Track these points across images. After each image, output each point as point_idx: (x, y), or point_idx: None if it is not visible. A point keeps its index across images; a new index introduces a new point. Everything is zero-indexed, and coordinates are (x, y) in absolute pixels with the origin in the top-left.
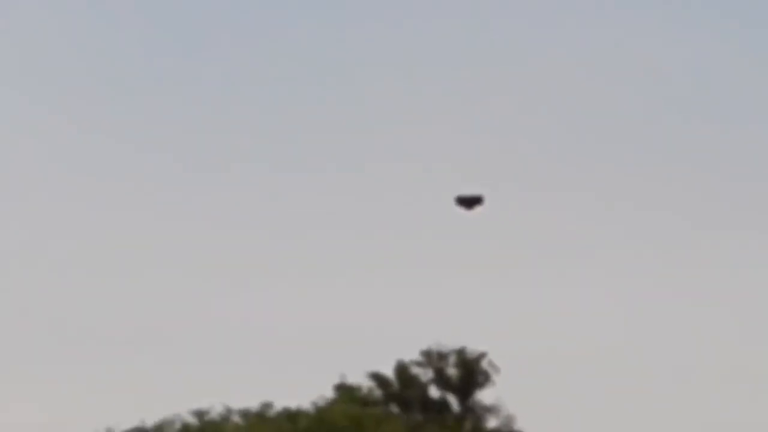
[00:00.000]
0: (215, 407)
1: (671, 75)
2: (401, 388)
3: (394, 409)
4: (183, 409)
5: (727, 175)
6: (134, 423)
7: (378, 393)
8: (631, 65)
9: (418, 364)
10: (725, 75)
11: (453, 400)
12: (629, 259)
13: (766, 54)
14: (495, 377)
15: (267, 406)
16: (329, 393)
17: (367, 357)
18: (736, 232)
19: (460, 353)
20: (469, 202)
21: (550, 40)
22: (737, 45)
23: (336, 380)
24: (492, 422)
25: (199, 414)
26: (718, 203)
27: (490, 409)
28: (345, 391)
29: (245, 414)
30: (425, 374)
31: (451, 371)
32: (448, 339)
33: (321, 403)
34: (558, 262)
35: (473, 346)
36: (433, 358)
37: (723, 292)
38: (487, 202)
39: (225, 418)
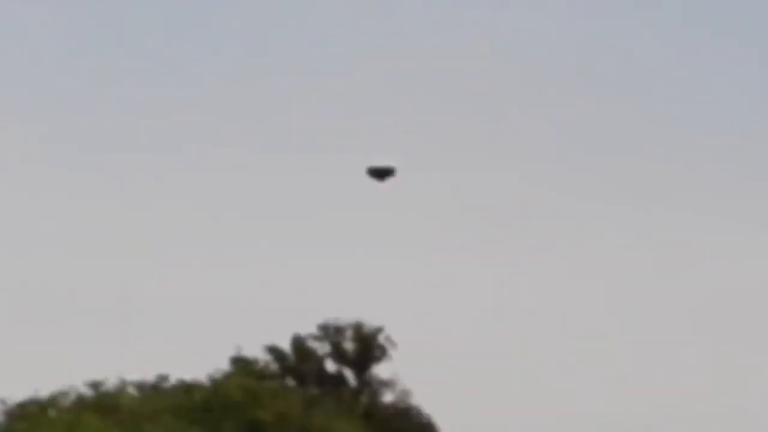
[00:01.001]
0: (110, 379)
1: (586, 56)
2: (298, 361)
3: (291, 382)
4: (78, 381)
5: (627, 156)
6: (28, 394)
7: (274, 366)
8: (539, 45)
9: (315, 338)
10: (649, 56)
11: (349, 375)
12: (526, 238)
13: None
14: (391, 352)
15: (162, 378)
16: (225, 366)
17: (263, 330)
18: (620, 212)
19: (357, 328)
20: (381, 173)
21: (466, 19)
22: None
23: (232, 353)
24: (388, 396)
25: (94, 385)
26: (612, 183)
27: (387, 384)
28: (241, 364)
29: (140, 386)
30: (322, 348)
31: (348, 345)
32: (345, 313)
33: (217, 376)
34: (458, 238)
35: (370, 320)
36: (330, 333)
37: (605, 269)
38: (392, 176)
39: (120, 389)
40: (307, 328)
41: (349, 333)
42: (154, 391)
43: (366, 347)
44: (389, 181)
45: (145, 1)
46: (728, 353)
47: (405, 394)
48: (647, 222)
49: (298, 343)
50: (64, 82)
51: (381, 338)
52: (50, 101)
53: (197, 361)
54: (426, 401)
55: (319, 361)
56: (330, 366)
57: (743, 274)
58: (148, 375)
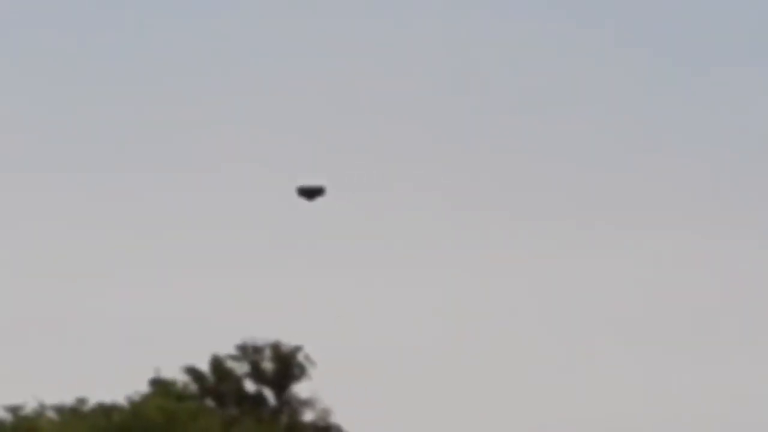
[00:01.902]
0: (29, 403)
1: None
2: (216, 382)
3: (210, 403)
4: None
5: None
6: None
7: (193, 387)
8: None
9: (234, 357)
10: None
11: (269, 394)
12: (452, 258)
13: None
14: (311, 371)
15: (81, 401)
16: (144, 388)
17: (182, 351)
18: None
19: (275, 347)
20: (311, 192)
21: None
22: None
23: (151, 375)
24: (308, 416)
25: (13, 409)
26: (541, 196)
27: (306, 403)
28: (160, 385)
29: (60, 409)
30: (240, 368)
31: (267, 365)
32: (264, 332)
33: (136, 398)
34: (376, 256)
35: (289, 339)
36: (249, 352)
37: (527, 281)
38: (322, 195)
39: (39, 413)
40: (226, 348)
41: (267, 352)
42: (74, 415)
43: (285, 366)
44: (314, 201)
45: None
46: (682, 358)
47: (325, 412)
48: (575, 229)
49: (217, 363)
50: None
51: (300, 357)
52: None
53: (116, 383)
54: (346, 420)
55: (238, 381)
56: (249, 386)
57: (697, 277)
58: (67, 398)
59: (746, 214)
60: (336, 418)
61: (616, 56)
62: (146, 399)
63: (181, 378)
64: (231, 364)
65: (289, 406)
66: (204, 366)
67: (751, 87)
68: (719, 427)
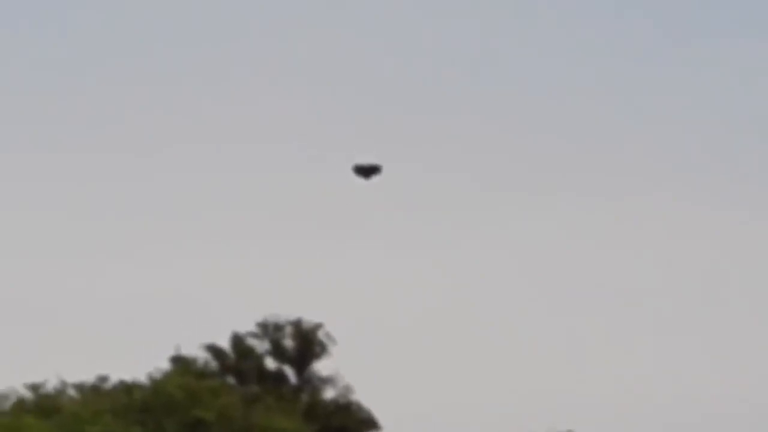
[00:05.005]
0: (50, 381)
1: None
2: (237, 359)
3: (231, 380)
4: (18, 383)
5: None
6: None
7: (214, 365)
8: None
9: (254, 335)
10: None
11: (290, 372)
12: (467, 235)
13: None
14: (331, 348)
15: (102, 379)
16: (165, 365)
17: (202, 329)
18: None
19: (296, 324)
20: (367, 170)
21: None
22: None
23: (172, 353)
24: (329, 393)
25: (34, 387)
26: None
27: (327, 380)
28: (181, 363)
29: (81, 387)
30: (261, 346)
31: (288, 343)
32: (285, 310)
33: (157, 375)
34: (396, 235)
35: (309, 317)
36: (269, 330)
37: (544, 261)
38: (378, 173)
39: (60, 391)
40: (246, 326)
41: (288, 330)
42: (95, 392)
43: (306, 344)
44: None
45: None
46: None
47: (346, 389)
48: (580, 211)
49: (238, 341)
50: None
51: (321, 335)
52: None
53: (137, 361)
54: (367, 396)
55: (258, 358)
56: (270, 363)
57: (663, 258)
58: (88, 376)
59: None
60: (357, 395)
61: None
62: (167, 376)
63: (201, 355)
64: (252, 342)
65: (310, 383)
66: (225, 343)
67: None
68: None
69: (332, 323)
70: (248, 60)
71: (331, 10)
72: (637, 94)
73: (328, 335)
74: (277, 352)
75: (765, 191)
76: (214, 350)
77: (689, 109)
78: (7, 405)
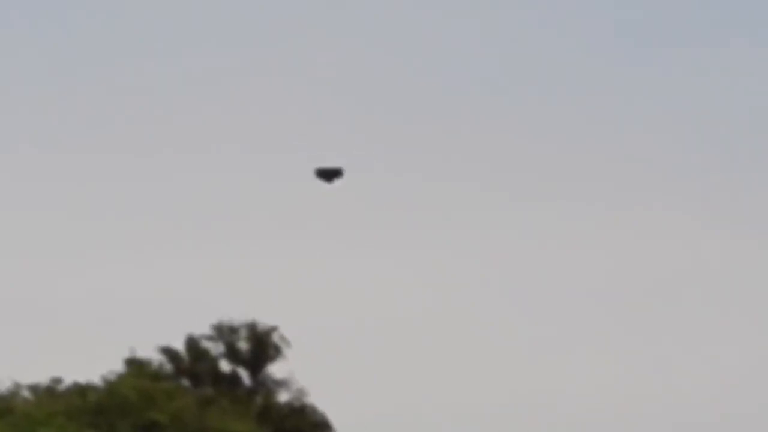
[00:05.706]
0: (4, 382)
1: None
2: (192, 362)
3: (185, 383)
4: None
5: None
6: None
7: (169, 367)
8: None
9: (209, 338)
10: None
11: (244, 374)
12: (420, 235)
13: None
14: (286, 351)
15: (56, 381)
16: (120, 368)
17: (157, 331)
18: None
19: (251, 327)
20: (328, 174)
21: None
22: None
23: (126, 355)
24: (283, 396)
25: None
26: (529, 175)
27: (281, 383)
28: (135, 365)
29: (34, 389)
30: (216, 348)
31: (242, 345)
32: (239, 313)
33: (111, 377)
34: (348, 237)
35: (264, 320)
36: (224, 332)
37: (497, 262)
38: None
39: (14, 393)
40: (201, 328)
41: (243, 332)
42: (49, 394)
43: (260, 347)
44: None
45: None
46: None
47: (300, 392)
48: (539, 215)
49: (192, 343)
50: None
51: (275, 337)
52: None
53: (91, 363)
54: (321, 400)
55: (213, 361)
56: (224, 366)
57: (636, 261)
58: (42, 378)
59: None
60: (311, 399)
61: None
62: (122, 379)
63: (156, 358)
64: (206, 344)
65: (264, 386)
66: (179, 346)
67: None
68: None
69: (288, 326)
70: (248, 60)
71: (331, 10)
72: (637, 94)
73: (282, 338)
74: (232, 354)
75: (763, 193)
76: (169, 352)
77: (684, 113)
78: None
